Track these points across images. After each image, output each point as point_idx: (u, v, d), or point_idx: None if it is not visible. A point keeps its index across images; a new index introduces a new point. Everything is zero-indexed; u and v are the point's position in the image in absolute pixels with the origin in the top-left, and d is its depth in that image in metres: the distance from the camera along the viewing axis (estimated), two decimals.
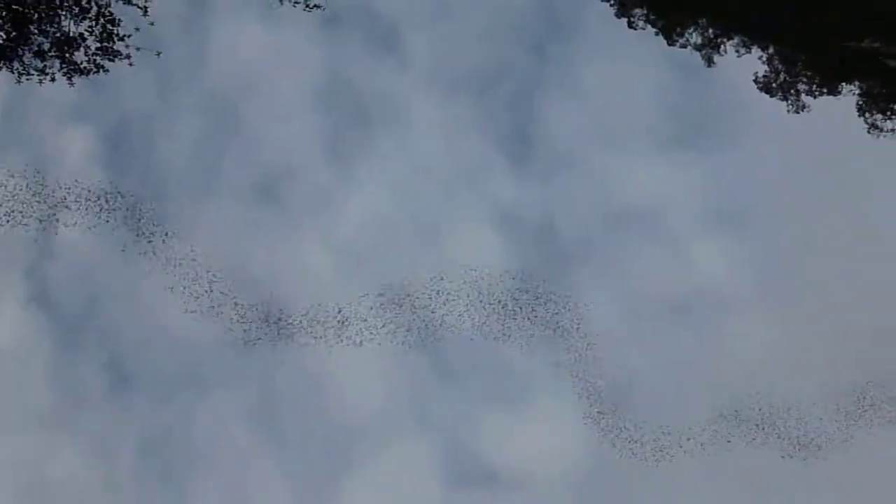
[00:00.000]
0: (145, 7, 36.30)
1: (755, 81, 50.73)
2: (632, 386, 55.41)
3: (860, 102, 49.70)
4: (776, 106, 50.46)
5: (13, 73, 35.50)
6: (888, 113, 49.45)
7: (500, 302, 52.29)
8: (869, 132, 49.79)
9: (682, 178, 54.37)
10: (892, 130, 49.51)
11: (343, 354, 54.78)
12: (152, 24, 37.17)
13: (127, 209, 47.44)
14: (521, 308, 52.65)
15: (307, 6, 40.91)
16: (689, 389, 54.65)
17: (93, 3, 36.06)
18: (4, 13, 34.34)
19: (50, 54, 35.66)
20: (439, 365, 57.36)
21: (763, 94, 50.71)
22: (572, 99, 56.85)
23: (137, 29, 36.35)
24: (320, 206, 52.48)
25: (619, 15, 50.60)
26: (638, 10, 50.00)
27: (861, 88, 49.45)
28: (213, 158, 51.33)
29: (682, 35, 50.51)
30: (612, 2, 50.37)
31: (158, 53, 38.86)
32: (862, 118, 49.76)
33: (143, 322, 53.15)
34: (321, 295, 51.22)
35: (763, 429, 53.50)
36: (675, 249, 54.07)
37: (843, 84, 49.47)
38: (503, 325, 52.49)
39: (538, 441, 57.64)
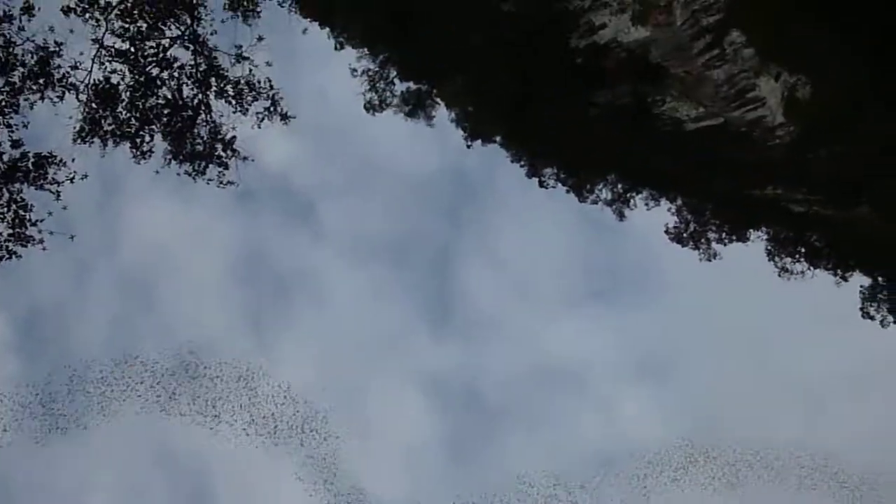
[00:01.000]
0: (58, 192, 35.59)
1: (666, 232, 51.79)
2: None
3: (769, 248, 50.93)
4: (689, 255, 51.48)
5: None
6: (796, 256, 50.66)
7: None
8: (779, 276, 50.89)
9: (601, 332, 54.66)
10: (802, 273, 50.63)
11: None
12: (65, 207, 36.47)
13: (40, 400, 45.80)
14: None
15: (220, 183, 40.62)
16: None
17: (4, 190, 35.34)
18: None
19: None
20: None
21: (675, 244, 51.74)
22: (489, 260, 57.45)
23: (50, 213, 35.57)
24: (242, 381, 51.33)
25: (529, 175, 51.53)
26: (548, 170, 51.01)
27: (768, 234, 50.73)
28: (130, 339, 50.15)
29: (592, 192, 51.56)
30: (522, 163, 51.34)
31: (72, 237, 38.17)
32: (772, 262, 50.93)
33: None
34: (248, 476, 49.71)
35: None
36: (599, 404, 53.95)
37: (751, 230, 50.72)
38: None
39: None
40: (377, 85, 51.32)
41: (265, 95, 37.10)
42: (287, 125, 39.69)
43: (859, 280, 50.21)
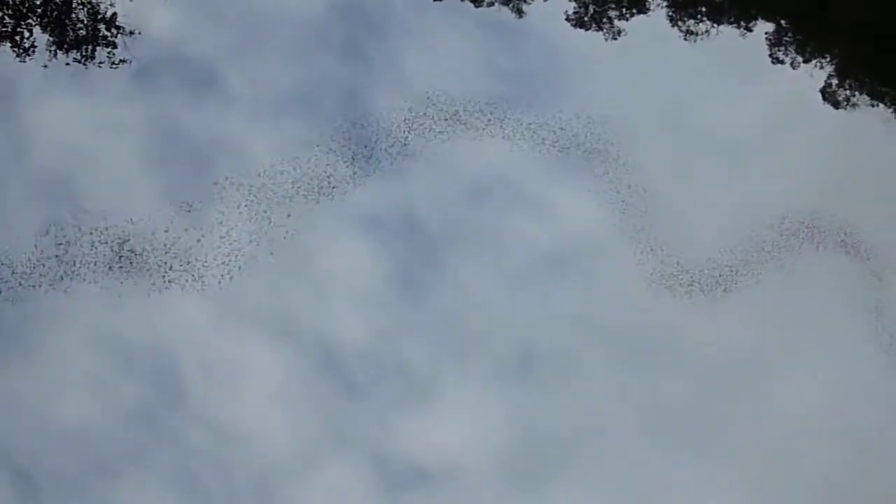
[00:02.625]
0: None
1: (567, 19, 51.56)
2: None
3: (670, 14, 51.01)
4: (594, 38, 51.41)
5: None
6: (698, 16, 50.87)
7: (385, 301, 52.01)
8: (685, 39, 51.16)
9: (521, 136, 54.58)
10: (706, 32, 50.96)
11: (247, 399, 53.78)
12: None
13: None
14: (406, 301, 52.48)
15: (113, 63, 39.82)
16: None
17: None
18: None
19: None
20: (341, 382, 56.80)
21: (578, 29, 51.59)
22: (398, 88, 56.77)
23: None
24: (182, 260, 51.04)
25: None
26: None
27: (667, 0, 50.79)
28: (60, 242, 49.48)
29: None
30: None
31: None
32: (675, 28, 51.09)
33: (37, 421, 51.19)
34: (210, 349, 50.08)
35: None
36: (537, 208, 54.51)
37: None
38: (395, 322, 52.24)
39: (457, 429, 57.68)
40: None
41: None
42: None
43: (763, 28, 50.65)
